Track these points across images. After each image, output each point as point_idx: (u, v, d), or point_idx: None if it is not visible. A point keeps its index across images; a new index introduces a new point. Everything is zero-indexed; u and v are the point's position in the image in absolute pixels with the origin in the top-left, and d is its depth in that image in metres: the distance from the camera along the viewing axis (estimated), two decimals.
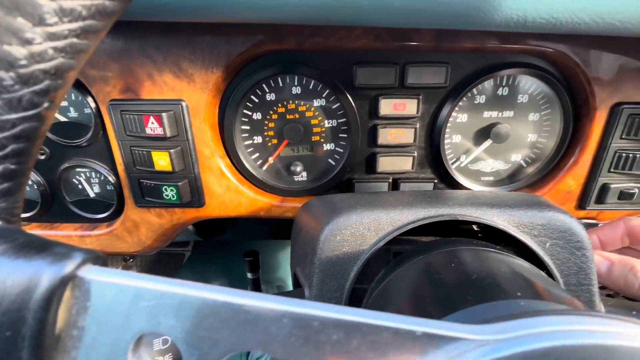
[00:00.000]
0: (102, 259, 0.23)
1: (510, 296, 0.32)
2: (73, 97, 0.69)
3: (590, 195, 0.73)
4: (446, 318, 0.29)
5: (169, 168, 0.70)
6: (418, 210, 0.52)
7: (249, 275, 0.91)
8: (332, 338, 0.20)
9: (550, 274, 0.49)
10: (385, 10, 0.48)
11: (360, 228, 0.50)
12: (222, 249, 1.29)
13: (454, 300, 0.33)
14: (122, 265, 1.34)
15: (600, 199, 0.73)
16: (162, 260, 1.47)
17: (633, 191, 0.71)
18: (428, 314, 0.33)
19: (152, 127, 0.67)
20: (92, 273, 0.21)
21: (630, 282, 0.55)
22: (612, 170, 0.71)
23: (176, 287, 0.21)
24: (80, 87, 0.67)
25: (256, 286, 0.93)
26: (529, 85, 0.70)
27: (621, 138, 0.69)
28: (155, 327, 0.21)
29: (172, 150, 0.69)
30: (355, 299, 0.50)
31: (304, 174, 0.77)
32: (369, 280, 0.50)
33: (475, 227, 0.59)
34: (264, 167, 0.75)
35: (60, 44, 0.23)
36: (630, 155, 0.69)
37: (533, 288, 0.35)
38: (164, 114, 0.66)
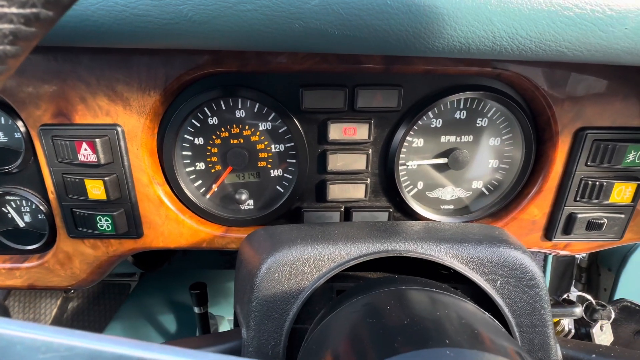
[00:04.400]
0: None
1: (437, 344, 0.29)
2: (2, 121, 0.65)
3: (557, 225, 0.68)
4: None
5: (103, 197, 0.65)
6: (362, 245, 0.48)
7: (196, 309, 0.85)
8: None
9: (501, 314, 0.45)
10: (324, 38, 0.45)
11: (300, 264, 0.47)
12: (170, 280, 1.22)
13: (380, 348, 0.31)
14: (63, 297, 1.27)
15: (567, 230, 0.68)
16: (106, 292, 1.40)
17: (601, 221, 0.66)
18: None
19: (85, 154, 0.63)
20: None
21: None
22: (578, 199, 0.66)
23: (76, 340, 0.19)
24: (10, 110, 0.63)
25: (204, 322, 0.87)
26: (488, 108, 0.66)
27: (586, 165, 0.65)
28: None
29: (106, 178, 0.64)
30: (295, 341, 0.47)
31: (251, 202, 0.72)
32: (311, 319, 0.47)
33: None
34: (207, 195, 0.70)
35: None
36: (597, 183, 0.65)
37: (465, 335, 0.32)
38: (97, 140, 0.62)
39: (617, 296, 0.99)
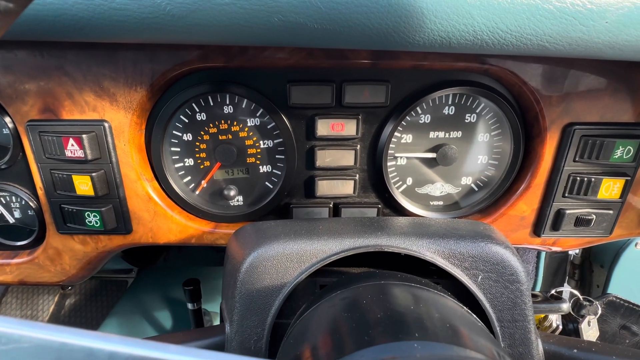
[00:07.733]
0: None
1: (406, 337, 0.30)
2: None
3: (545, 221, 0.68)
4: None
5: (91, 192, 0.65)
6: (345, 240, 0.49)
7: (189, 306, 0.85)
8: None
9: (482, 309, 0.46)
10: (305, 33, 0.44)
11: (282, 259, 0.47)
12: (167, 276, 1.23)
13: (352, 341, 0.31)
14: (60, 293, 1.27)
15: (556, 226, 0.68)
16: (103, 288, 1.40)
17: (590, 217, 0.66)
18: (330, 356, 0.32)
19: (72, 150, 0.63)
20: None
21: None
22: (566, 195, 0.66)
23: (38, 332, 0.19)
24: None
25: (197, 318, 0.87)
26: (477, 104, 0.66)
27: (574, 161, 0.64)
28: None
29: (94, 174, 0.64)
30: (277, 336, 0.47)
31: (240, 198, 0.72)
32: (295, 314, 0.47)
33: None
34: (196, 191, 0.71)
35: None
36: (585, 179, 0.64)
37: (436, 328, 0.32)
38: (84, 136, 0.62)
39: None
